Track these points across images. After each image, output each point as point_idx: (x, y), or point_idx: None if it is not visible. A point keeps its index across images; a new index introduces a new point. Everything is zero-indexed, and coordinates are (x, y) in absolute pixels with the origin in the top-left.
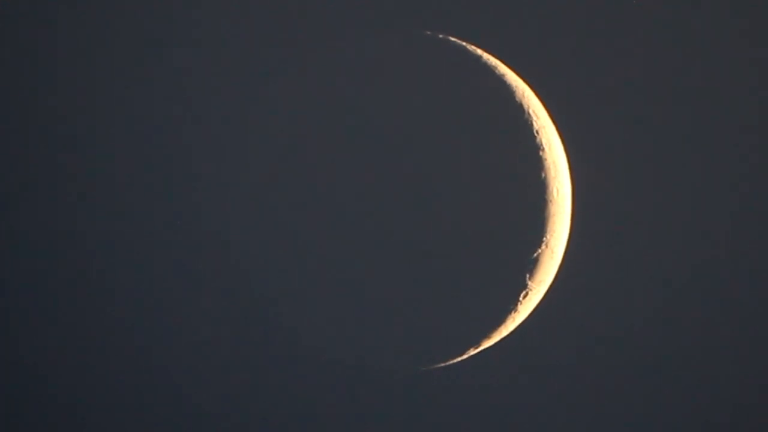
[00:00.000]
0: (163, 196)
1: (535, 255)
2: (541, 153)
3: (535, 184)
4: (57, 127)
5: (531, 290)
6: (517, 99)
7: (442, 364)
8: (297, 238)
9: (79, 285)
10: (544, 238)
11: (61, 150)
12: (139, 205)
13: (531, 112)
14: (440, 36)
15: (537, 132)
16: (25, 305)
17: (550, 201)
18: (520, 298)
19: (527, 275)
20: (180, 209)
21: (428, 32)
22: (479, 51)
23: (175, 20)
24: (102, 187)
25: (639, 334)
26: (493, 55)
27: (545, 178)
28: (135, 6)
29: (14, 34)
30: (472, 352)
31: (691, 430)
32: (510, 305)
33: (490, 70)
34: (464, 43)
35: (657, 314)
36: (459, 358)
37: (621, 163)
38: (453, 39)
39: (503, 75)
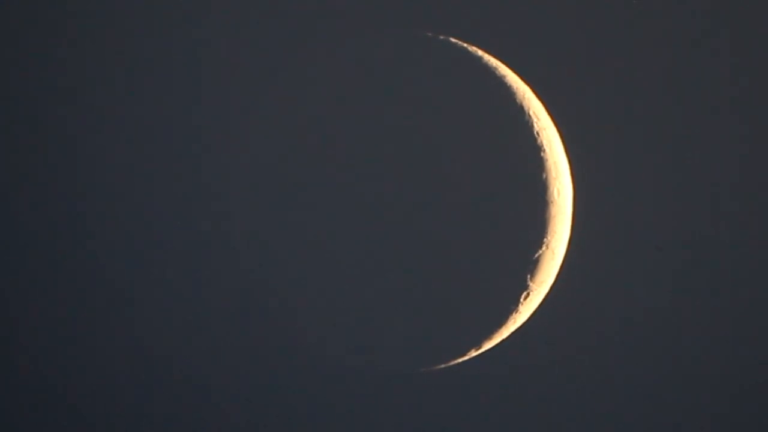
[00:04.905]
0: (163, 195)
1: (536, 256)
2: (542, 154)
3: (535, 186)
4: (58, 126)
5: (532, 291)
6: (517, 100)
7: (444, 365)
8: (297, 238)
9: (79, 284)
10: (545, 239)
11: (62, 149)
12: (140, 205)
13: (532, 113)
14: (441, 37)
15: (538, 133)
16: (26, 307)
17: (551, 202)
18: (521, 299)
19: (528, 276)
20: (180, 209)
21: (429, 33)
22: (480, 52)
23: (175, 21)
24: (102, 187)
25: (639, 334)
26: (494, 57)
27: (546, 179)
28: (136, 5)
29: (15, 33)
30: (474, 353)
31: (691, 429)
32: (511, 306)
33: (490, 72)
34: (465, 45)
35: (657, 315)
36: (460, 359)
37: (622, 164)
38: (454, 40)
39: (504, 76)
